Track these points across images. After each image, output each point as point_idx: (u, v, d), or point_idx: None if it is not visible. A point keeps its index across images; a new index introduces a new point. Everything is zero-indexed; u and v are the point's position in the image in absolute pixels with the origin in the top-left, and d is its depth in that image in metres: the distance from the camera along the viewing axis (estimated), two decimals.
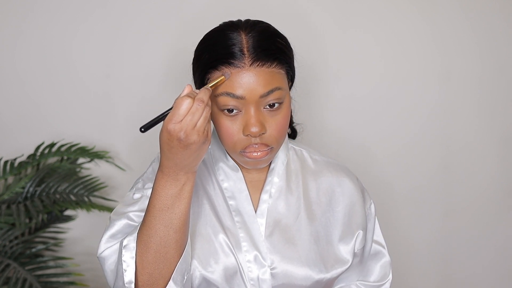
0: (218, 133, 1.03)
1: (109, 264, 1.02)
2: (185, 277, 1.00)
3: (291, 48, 1.05)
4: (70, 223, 1.92)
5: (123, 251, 0.97)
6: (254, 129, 0.97)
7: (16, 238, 1.80)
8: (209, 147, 1.15)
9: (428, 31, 1.90)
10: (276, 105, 0.98)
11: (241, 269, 1.04)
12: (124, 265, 0.97)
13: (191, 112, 0.88)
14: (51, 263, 1.79)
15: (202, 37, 1.04)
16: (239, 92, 0.96)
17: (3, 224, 1.73)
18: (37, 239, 1.87)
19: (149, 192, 1.06)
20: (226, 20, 1.06)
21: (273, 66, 0.97)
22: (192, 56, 1.05)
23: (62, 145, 1.87)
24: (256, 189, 1.11)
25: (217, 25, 1.05)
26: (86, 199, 1.85)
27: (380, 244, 1.21)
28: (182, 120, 0.88)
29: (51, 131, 1.91)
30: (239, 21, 1.03)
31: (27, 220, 1.79)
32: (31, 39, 1.87)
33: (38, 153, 1.86)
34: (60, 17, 1.86)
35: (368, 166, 1.94)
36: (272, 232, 1.08)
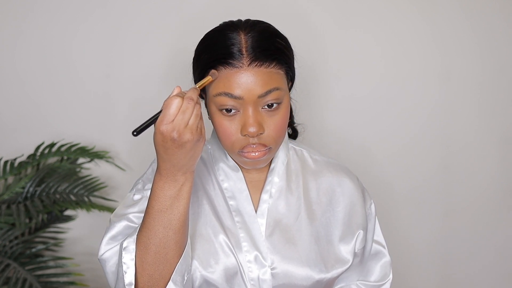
0: (216, 133, 1.02)
1: (110, 266, 1.02)
2: (185, 278, 1.00)
3: (291, 49, 1.04)
4: (70, 223, 1.92)
5: (123, 253, 0.97)
6: (252, 129, 0.97)
7: (16, 238, 1.80)
8: (209, 147, 1.15)
9: (428, 31, 1.90)
10: (275, 105, 0.98)
11: (241, 269, 1.04)
12: (124, 267, 0.96)
13: (181, 111, 0.88)
14: (51, 263, 1.79)
15: (202, 37, 1.04)
16: (237, 92, 0.95)
17: (3, 224, 1.73)
18: (37, 239, 1.87)
19: (149, 193, 1.06)
20: (226, 20, 1.06)
21: (272, 66, 0.97)
22: (192, 56, 1.05)
23: (62, 145, 1.87)
24: (256, 189, 1.11)
25: (217, 25, 1.05)
26: (86, 199, 1.85)
27: (381, 244, 1.21)
28: (173, 120, 0.88)
29: (51, 131, 1.91)
30: (239, 21, 1.03)
31: (27, 220, 1.79)
32: (31, 39, 1.87)
33: (38, 153, 1.86)
34: (60, 17, 1.86)
35: (368, 166, 1.94)
36: (272, 232, 1.08)
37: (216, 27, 1.04)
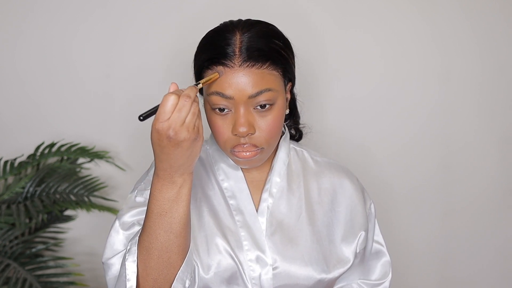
0: (211, 131, 1.03)
1: (115, 270, 1.01)
2: (187, 285, 0.98)
3: (290, 50, 1.04)
4: (70, 223, 1.92)
5: (127, 255, 0.96)
6: (242, 129, 0.96)
7: (16, 238, 1.80)
8: (207, 147, 1.15)
9: (428, 31, 1.90)
10: (267, 106, 0.98)
11: (242, 269, 1.04)
12: (128, 270, 0.95)
13: (177, 109, 0.86)
14: (51, 263, 1.79)
15: (203, 36, 1.04)
16: (228, 92, 0.96)
17: (3, 224, 1.73)
18: (37, 239, 1.87)
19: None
20: (226, 19, 1.06)
21: (265, 67, 0.97)
22: (192, 55, 1.05)
23: (62, 145, 1.87)
24: (257, 189, 1.11)
25: (217, 25, 1.05)
26: (86, 199, 1.85)
27: (380, 243, 1.21)
28: (169, 118, 0.86)
29: (51, 131, 1.91)
30: (239, 21, 1.03)
31: (27, 220, 1.79)
32: (31, 39, 1.87)
33: (38, 153, 1.87)
34: (60, 17, 1.86)
35: (368, 166, 1.94)
36: (274, 232, 1.08)
37: (215, 27, 1.04)
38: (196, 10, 1.85)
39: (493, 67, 1.93)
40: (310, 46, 1.86)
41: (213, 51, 0.98)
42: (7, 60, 1.88)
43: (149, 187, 1.07)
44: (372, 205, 1.19)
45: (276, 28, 1.04)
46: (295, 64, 1.07)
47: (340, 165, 1.19)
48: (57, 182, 1.84)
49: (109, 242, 1.03)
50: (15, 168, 1.83)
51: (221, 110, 0.98)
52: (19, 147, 1.90)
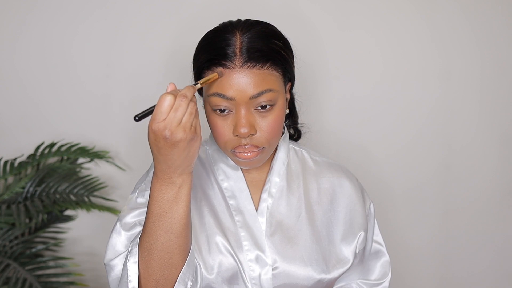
0: (211, 132, 1.03)
1: (117, 271, 1.01)
2: (191, 282, 0.98)
3: (290, 50, 1.04)
4: (70, 223, 1.92)
5: (129, 256, 0.96)
6: (243, 130, 0.96)
7: (16, 238, 1.80)
8: (207, 147, 1.15)
9: (428, 31, 1.90)
10: (268, 106, 0.98)
11: (241, 269, 1.04)
12: (129, 272, 0.95)
13: (174, 109, 0.85)
14: (51, 263, 1.79)
15: (202, 36, 1.04)
16: (229, 93, 0.95)
17: (3, 224, 1.73)
18: (37, 239, 1.87)
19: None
20: (225, 20, 1.06)
21: (266, 67, 0.97)
22: (192, 55, 1.05)
23: (62, 145, 1.87)
24: (256, 189, 1.11)
25: (216, 25, 1.05)
26: (86, 199, 1.85)
27: (380, 243, 1.21)
28: (165, 118, 0.85)
29: (51, 131, 1.91)
30: (238, 21, 1.03)
31: (27, 220, 1.79)
32: (31, 39, 1.87)
33: (38, 153, 1.87)
34: (60, 17, 1.86)
35: (368, 166, 1.94)
36: (274, 232, 1.08)
37: (215, 27, 1.04)
38: (196, 11, 1.85)
39: (493, 66, 1.93)
40: (310, 46, 1.86)
41: (213, 52, 0.98)
42: (7, 60, 1.88)
43: (149, 188, 1.07)
44: (372, 205, 1.19)
45: (276, 28, 1.04)
46: (295, 64, 1.07)
47: (339, 165, 1.19)
48: (57, 182, 1.84)
49: (111, 243, 1.03)
50: (15, 168, 1.83)
51: (222, 111, 0.98)
52: (19, 147, 1.90)
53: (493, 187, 1.99)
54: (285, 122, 1.17)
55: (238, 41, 0.97)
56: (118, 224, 1.05)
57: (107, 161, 1.90)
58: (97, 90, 1.90)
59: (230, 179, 1.10)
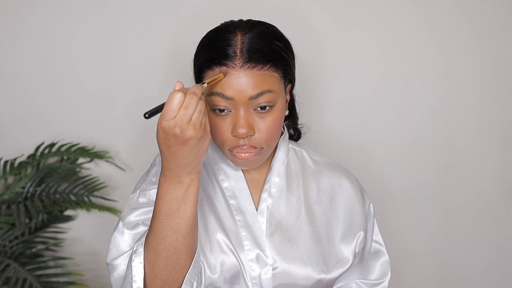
0: (210, 131, 1.02)
1: (120, 271, 1.01)
2: (196, 283, 0.98)
3: (291, 51, 1.04)
4: (70, 223, 1.92)
5: (133, 256, 0.96)
6: (242, 131, 0.96)
7: (16, 238, 1.80)
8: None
9: (428, 31, 1.90)
10: (267, 107, 0.98)
11: (242, 268, 1.04)
12: (134, 271, 0.95)
13: (184, 106, 0.85)
14: (51, 263, 1.80)
15: (203, 35, 1.04)
16: (228, 93, 0.95)
17: (3, 224, 1.73)
18: (37, 239, 1.87)
19: (152, 193, 1.05)
20: (226, 20, 1.06)
21: (266, 68, 0.97)
22: (192, 55, 1.05)
23: (62, 145, 1.87)
24: (256, 189, 1.11)
25: (217, 25, 1.05)
26: (86, 199, 1.85)
27: (379, 243, 1.21)
28: (175, 116, 0.85)
29: (51, 131, 1.91)
30: (240, 21, 1.03)
31: (27, 220, 1.79)
32: (31, 39, 1.87)
33: (38, 153, 1.87)
34: (60, 17, 1.86)
35: (368, 166, 1.94)
36: (273, 232, 1.08)
37: (216, 27, 1.04)
38: (196, 11, 1.85)
39: (493, 66, 1.93)
40: (310, 47, 1.86)
41: (213, 51, 0.98)
42: (7, 60, 1.88)
43: (151, 187, 1.07)
44: (371, 205, 1.19)
45: (277, 29, 1.04)
46: (295, 65, 1.07)
47: (339, 165, 1.19)
48: (57, 182, 1.84)
49: (113, 243, 1.03)
50: (15, 168, 1.83)
51: (221, 110, 0.98)
52: (19, 147, 1.90)
53: (493, 187, 1.99)
54: (285, 122, 1.17)
55: (239, 41, 0.97)
56: (120, 224, 1.04)
57: (107, 161, 1.90)
58: (97, 90, 1.90)
59: (230, 179, 1.10)
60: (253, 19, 1.05)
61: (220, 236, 1.06)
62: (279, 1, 1.86)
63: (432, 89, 1.93)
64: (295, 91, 1.14)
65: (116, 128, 1.92)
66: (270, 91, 0.97)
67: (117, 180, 1.95)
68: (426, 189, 1.98)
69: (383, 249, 1.21)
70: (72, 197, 1.84)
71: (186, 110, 0.85)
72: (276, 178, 1.11)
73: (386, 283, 1.20)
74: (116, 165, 1.91)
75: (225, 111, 0.98)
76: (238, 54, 0.96)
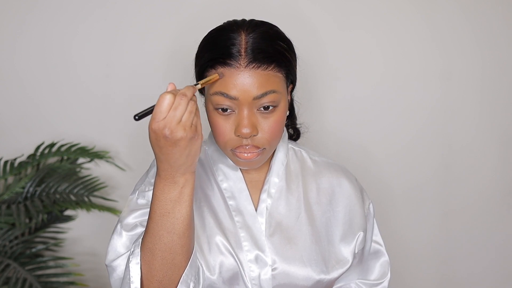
0: (212, 131, 1.02)
1: (119, 272, 1.01)
2: (193, 284, 0.98)
3: (293, 52, 1.04)
4: (70, 223, 1.92)
5: (131, 257, 0.96)
6: (245, 131, 0.96)
7: (16, 238, 1.80)
8: (206, 148, 1.14)
9: (428, 31, 1.90)
10: (271, 108, 0.98)
11: (241, 269, 1.04)
12: (131, 272, 0.95)
13: (173, 108, 0.85)
14: (51, 263, 1.80)
15: (205, 34, 1.04)
16: (233, 92, 0.95)
17: (3, 224, 1.73)
18: (37, 239, 1.87)
19: (151, 194, 1.05)
20: (226, 20, 1.06)
21: (270, 68, 0.97)
22: (192, 55, 1.05)
23: (62, 145, 1.87)
24: (255, 189, 1.11)
25: (217, 25, 1.05)
26: (86, 199, 1.85)
27: (379, 243, 1.21)
28: (165, 117, 0.85)
29: (51, 131, 1.91)
30: (243, 20, 1.03)
31: (27, 220, 1.79)
32: (31, 39, 1.87)
33: (38, 153, 1.87)
34: (60, 17, 1.86)
35: (368, 166, 1.94)
36: (273, 233, 1.08)
37: (219, 26, 1.04)
38: (196, 11, 1.85)
39: (493, 67, 1.93)
40: (310, 46, 1.86)
41: (217, 50, 0.97)
42: (7, 60, 1.88)
43: (150, 189, 1.07)
44: (371, 205, 1.19)
45: (280, 29, 1.04)
46: (297, 66, 1.07)
47: (338, 165, 1.19)
48: (57, 182, 1.84)
49: (112, 244, 1.03)
50: (15, 168, 1.83)
51: (224, 110, 0.98)
52: (19, 147, 1.90)
53: (493, 187, 1.99)
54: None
55: (243, 41, 0.97)
56: (119, 226, 1.04)
57: (107, 161, 1.90)
58: (97, 90, 1.90)
59: (229, 180, 1.10)
60: (254, 19, 1.05)
61: (219, 237, 1.06)
62: (279, 1, 1.86)
63: (432, 89, 1.93)
64: (295, 91, 1.14)
65: (116, 128, 1.92)
66: (274, 92, 0.97)
67: (117, 180, 1.95)
68: (426, 189, 1.98)
69: (383, 249, 1.21)
70: (72, 197, 1.84)
71: (175, 111, 0.86)
72: (275, 179, 1.11)
73: (386, 283, 1.20)
74: (116, 165, 1.91)
75: (228, 111, 0.98)
76: (243, 53, 0.95)
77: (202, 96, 1.08)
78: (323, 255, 1.08)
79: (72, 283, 1.78)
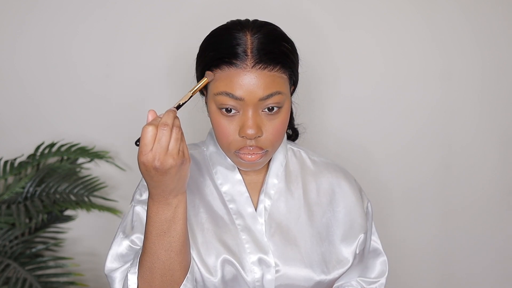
0: (214, 132, 1.02)
1: (118, 283, 1.02)
2: None
3: (296, 53, 1.04)
4: (70, 223, 1.92)
5: (129, 275, 0.98)
6: (250, 131, 0.96)
7: (16, 238, 1.80)
8: (204, 149, 1.14)
9: (428, 31, 1.90)
10: (275, 109, 0.98)
11: (243, 272, 1.04)
12: None
13: (157, 139, 0.86)
14: (51, 263, 1.79)
15: (208, 34, 1.03)
16: (238, 93, 0.95)
17: (3, 224, 1.73)
18: (37, 239, 1.87)
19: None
20: (226, 20, 1.05)
21: (276, 70, 0.96)
22: (193, 56, 1.05)
23: (62, 145, 1.87)
24: (255, 191, 1.11)
25: (218, 25, 1.04)
26: (86, 199, 1.85)
27: (376, 242, 1.21)
28: (152, 149, 0.86)
29: (51, 131, 1.91)
30: (247, 20, 1.02)
31: (27, 220, 1.79)
32: (31, 39, 1.87)
33: (38, 153, 1.86)
34: (60, 17, 1.86)
35: (368, 166, 1.94)
36: (273, 234, 1.08)
37: (223, 25, 1.03)
38: (196, 11, 1.85)
39: (493, 67, 1.93)
40: (310, 46, 1.86)
41: (222, 50, 0.97)
42: (7, 60, 1.88)
43: (145, 195, 1.07)
44: (369, 204, 1.19)
45: (283, 30, 1.04)
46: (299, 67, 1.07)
47: (337, 165, 1.18)
48: (57, 182, 1.84)
49: (111, 254, 1.04)
50: (15, 168, 1.83)
51: (228, 110, 0.97)
52: (19, 147, 1.90)
53: (493, 187, 1.99)
54: None
55: (249, 41, 0.96)
56: (120, 234, 1.05)
57: (107, 161, 1.90)
58: (97, 90, 1.90)
59: (229, 183, 1.10)
60: (257, 19, 1.04)
61: (220, 240, 1.05)
62: (279, 1, 1.86)
63: (432, 89, 1.93)
64: (295, 91, 1.14)
65: (116, 128, 1.92)
66: (279, 93, 0.97)
67: (117, 180, 1.95)
68: (426, 190, 1.98)
69: (381, 247, 1.21)
70: (72, 197, 1.84)
71: (159, 143, 0.86)
72: (274, 180, 1.11)
73: (383, 280, 1.20)
74: (116, 165, 1.91)
75: (233, 111, 0.97)
76: (249, 54, 0.95)
77: (202, 96, 1.08)
78: (324, 256, 1.08)
79: (72, 283, 1.78)
